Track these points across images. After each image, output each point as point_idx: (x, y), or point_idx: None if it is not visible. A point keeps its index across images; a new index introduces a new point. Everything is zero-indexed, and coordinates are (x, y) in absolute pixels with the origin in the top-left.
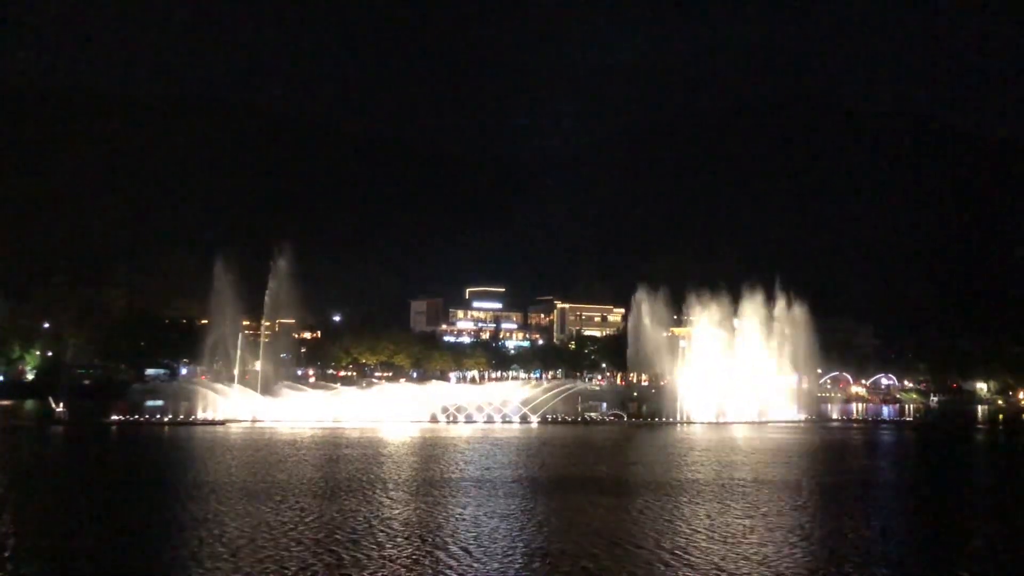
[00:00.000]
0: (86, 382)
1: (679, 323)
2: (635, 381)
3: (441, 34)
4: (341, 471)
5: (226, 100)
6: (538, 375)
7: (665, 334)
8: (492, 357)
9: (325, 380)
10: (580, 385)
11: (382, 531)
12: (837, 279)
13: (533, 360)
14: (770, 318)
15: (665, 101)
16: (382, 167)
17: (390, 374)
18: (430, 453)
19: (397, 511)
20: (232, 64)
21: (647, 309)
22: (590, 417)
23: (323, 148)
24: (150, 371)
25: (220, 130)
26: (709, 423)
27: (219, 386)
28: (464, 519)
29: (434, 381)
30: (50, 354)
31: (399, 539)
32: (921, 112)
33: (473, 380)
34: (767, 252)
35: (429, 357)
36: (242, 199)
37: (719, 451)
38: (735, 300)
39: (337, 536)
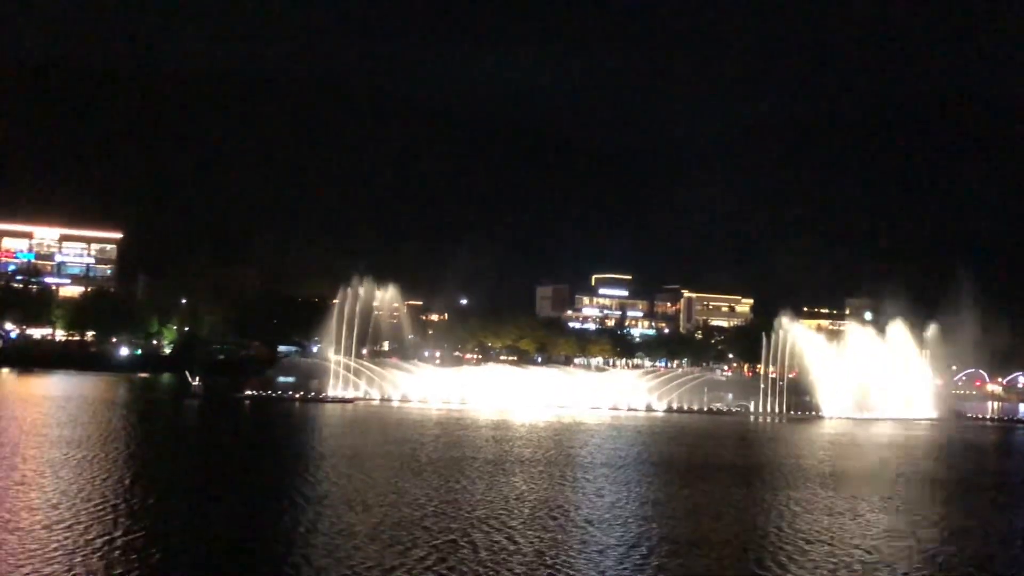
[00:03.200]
0: (220, 357)
1: (811, 315)
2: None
3: (570, 16)
4: (491, 450)
5: (362, 87)
6: (664, 364)
7: (800, 326)
8: (617, 344)
9: (451, 362)
10: (707, 375)
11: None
12: (973, 272)
13: (658, 348)
14: (903, 314)
15: (808, 91)
16: (513, 153)
17: (515, 358)
18: (573, 436)
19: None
20: (373, 50)
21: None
22: (716, 408)
23: (457, 135)
24: (282, 348)
25: (353, 115)
26: (845, 418)
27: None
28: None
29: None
30: (187, 329)
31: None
32: None
33: (598, 367)
34: (903, 245)
35: (554, 343)
36: (375, 184)
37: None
38: (868, 294)
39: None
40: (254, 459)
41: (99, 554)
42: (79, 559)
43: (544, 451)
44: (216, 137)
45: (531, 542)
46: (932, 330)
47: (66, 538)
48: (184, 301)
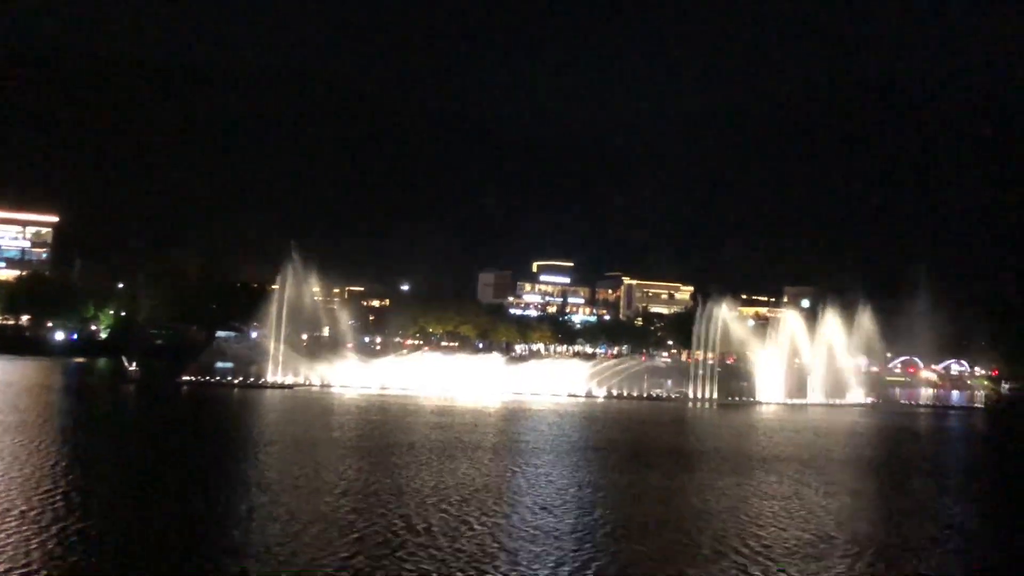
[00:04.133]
0: (158, 342)
1: (750, 303)
2: (701, 359)
3: (518, 4)
4: (432, 435)
5: (302, 71)
6: (604, 350)
7: (734, 313)
8: (558, 331)
9: (391, 348)
10: (648, 363)
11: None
12: (910, 263)
13: (599, 335)
14: (839, 300)
15: (744, 80)
16: (454, 140)
17: (456, 344)
18: (519, 421)
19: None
20: (309, 35)
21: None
22: (655, 394)
23: (398, 120)
24: (221, 333)
25: (294, 100)
26: (779, 404)
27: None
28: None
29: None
30: (123, 314)
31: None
32: (995, 91)
33: (538, 353)
34: (840, 234)
35: (495, 329)
36: (315, 169)
37: (791, 430)
38: (805, 282)
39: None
40: (193, 445)
41: (53, 542)
42: (34, 547)
43: (490, 436)
44: (154, 120)
45: (483, 525)
46: (866, 317)
47: (18, 526)
48: (121, 285)
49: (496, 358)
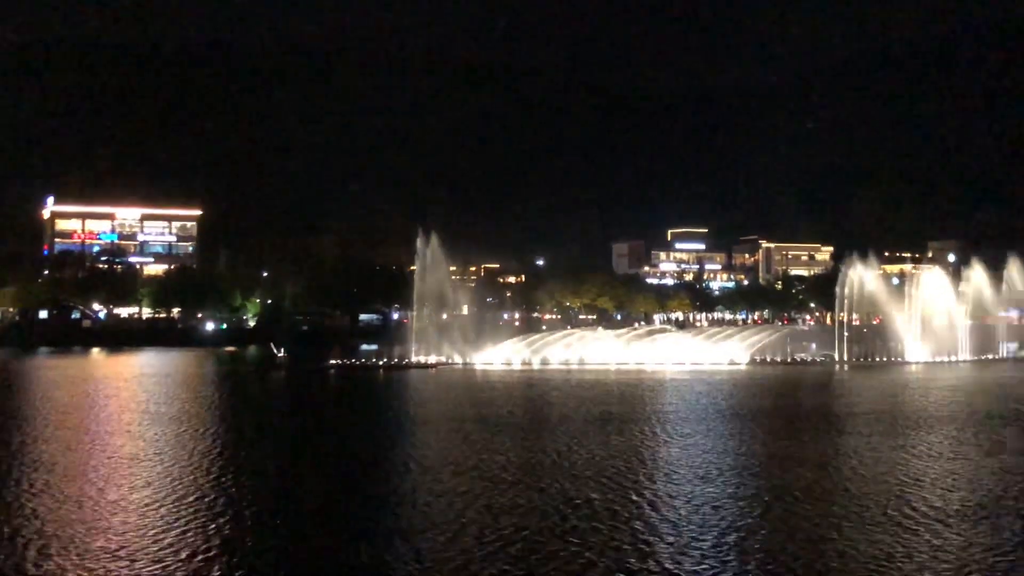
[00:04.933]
0: (304, 328)
1: (893, 260)
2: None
3: None
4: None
5: (428, 48)
6: (744, 316)
7: (877, 272)
8: (696, 299)
9: (531, 323)
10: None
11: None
12: None
13: (738, 301)
14: (987, 254)
15: (877, 32)
16: (582, 111)
17: (594, 316)
18: (689, 387)
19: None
20: (429, 12)
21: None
22: (801, 358)
23: (525, 95)
24: (364, 316)
25: (423, 78)
26: (927, 363)
27: None
28: None
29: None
30: (269, 302)
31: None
32: None
33: (678, 321)
34: (984, 187)
35: (632, 299)
36: (446, 147)
37: (943, 388)
38: (950, 235)
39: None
40: (348, 427)
41: (231, 526)
42: (212, 530)
43: (640, 407)
44: (287, 110)
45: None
46: (1014, 268)
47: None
48: (265, 274)
49: (639, 329)
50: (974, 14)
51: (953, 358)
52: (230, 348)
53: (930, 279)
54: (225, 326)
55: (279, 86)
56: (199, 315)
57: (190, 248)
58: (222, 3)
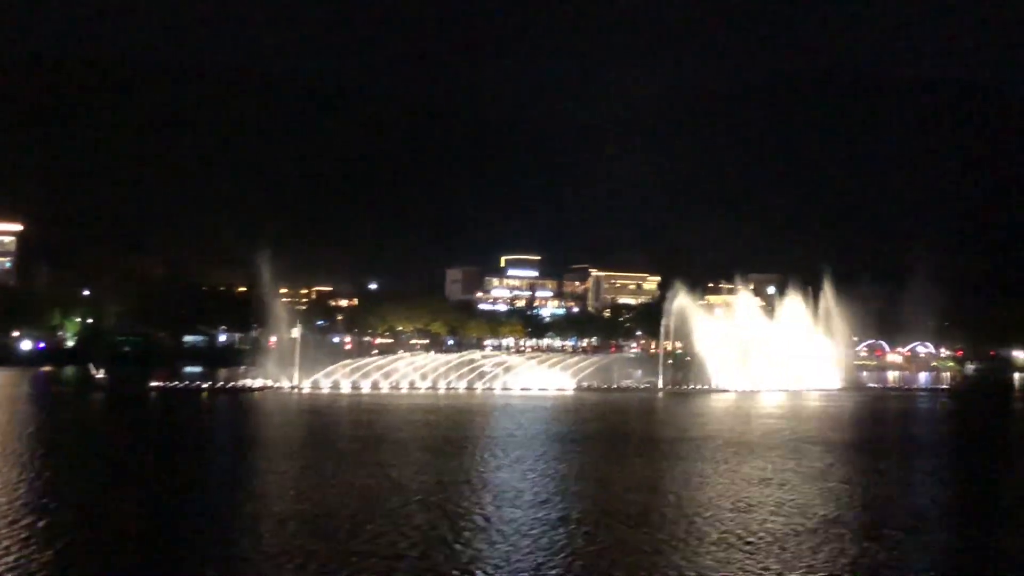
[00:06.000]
0: (126, 349)
1: (715, 291)
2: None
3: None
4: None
5: (263, 70)
6: (573, 343)
7: (700, 302)
8: (527, 325)
9: (362, 347)
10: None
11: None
12: (874, 247)
13: (568, 328)
14: (806, 287)
15: (706, 70)
16: (418, 135)
17: (427, 341)
18: (519, 413)
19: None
20: (270, 34)
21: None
22: (625, 385)
23: (360, 117)
24: (188, 338)
25: (257, 100)
26: (742, 391)
27: None
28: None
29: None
30: (90, 321)
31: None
32: (950, 76)
33: (508, 348)
34: (805, 220)
35: (464, 325)
36: (278, 168)
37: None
38: (772, 269)
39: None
40: (173, 450)
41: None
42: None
43: (473, 431)
44: (114, 124)
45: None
46: (829, 301)
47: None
48: (87, 292)
49: (468, 355)
50: (800, 57)
51: (769, 387)
52: (46, 368)
53: (744, 308)
54: (43, 345)
55: (112, 101)
56: (15, 333)
57: (8, 264)
58: (54, 13)
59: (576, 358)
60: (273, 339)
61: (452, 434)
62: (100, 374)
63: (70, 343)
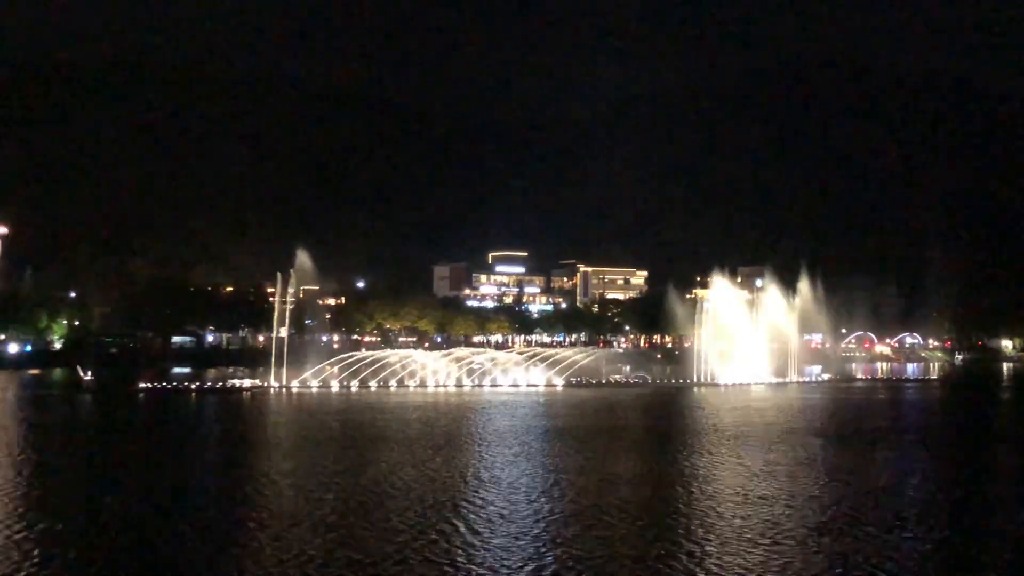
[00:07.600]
0: (112, 350)
1: (703, 285)
2: (659, 343)
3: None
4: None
5: (249, 69)
6: (561, 338)
7: (688, 296)
8: (515, 321)
9: (350, 346)
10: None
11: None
12: (861, 238)
13: (556, 324)
14: (793, 278)
15: (690, 66)
16: (405, 133)
17: (414, 339)
18: (502, 411)
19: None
20: (255, 34)
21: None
22: (614, 380)
23: (347, 115)
24: (176, 339)
25: (243, 99)
26: (731, 385)
27: None
28: None
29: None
30: (77, 323)
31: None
32: (939, 69)
33: (497, 344)
34: (791, 213)
35: (452, 322)
36: (265, 167)
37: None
38: (759, 261)
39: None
40: (161, 450)
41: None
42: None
43: (464, 429)
44: (100, 126)
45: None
46: (817, 293)
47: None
48: (73, 294)
49: (459, 352)
50: (781, 52)
51: (759, 380)
52: (33, 370)
53: (733, 302)
54: (30, 348)
55: (96, 102)
56: (1, 336)
57: None
58: (46, 15)
59: (567, 352)
60: (261, 339)
61: (451, 430)
62: (88, 376)
63: (57, 345)
